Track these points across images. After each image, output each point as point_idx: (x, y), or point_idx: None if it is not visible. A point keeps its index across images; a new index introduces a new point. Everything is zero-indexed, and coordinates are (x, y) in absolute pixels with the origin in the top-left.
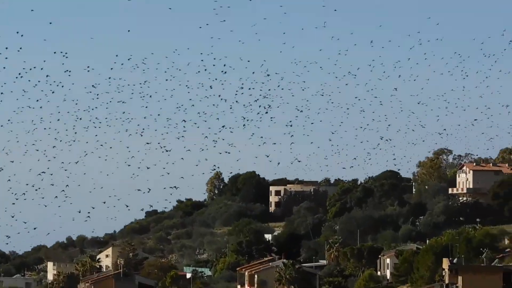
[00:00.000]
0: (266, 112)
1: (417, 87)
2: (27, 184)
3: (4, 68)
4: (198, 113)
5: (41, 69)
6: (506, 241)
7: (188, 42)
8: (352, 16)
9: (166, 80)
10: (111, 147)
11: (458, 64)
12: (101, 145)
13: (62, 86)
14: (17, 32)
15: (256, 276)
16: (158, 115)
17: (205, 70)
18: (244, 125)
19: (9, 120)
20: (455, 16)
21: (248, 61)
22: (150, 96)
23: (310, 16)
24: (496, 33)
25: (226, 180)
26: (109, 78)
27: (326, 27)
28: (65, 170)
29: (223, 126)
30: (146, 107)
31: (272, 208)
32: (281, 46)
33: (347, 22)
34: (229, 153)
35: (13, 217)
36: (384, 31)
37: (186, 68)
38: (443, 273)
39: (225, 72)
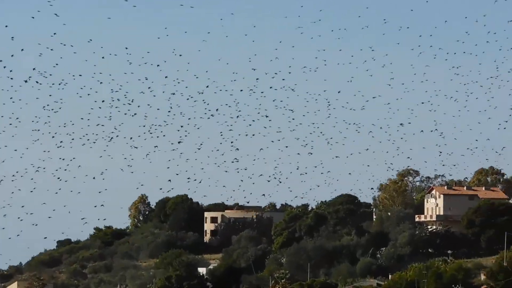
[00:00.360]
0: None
1: (382, 101)
2: None
3: None
4: (119, 126)
5: None
6: (482, 277)
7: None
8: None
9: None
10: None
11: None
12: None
13: None
14: None
15: None
16: (82, 128)
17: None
18: (179, 142)
19: None
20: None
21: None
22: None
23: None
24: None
25: (152, 204)
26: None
27: None
28: None
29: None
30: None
31: (207, 238)
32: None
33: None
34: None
35: None
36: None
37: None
38: None
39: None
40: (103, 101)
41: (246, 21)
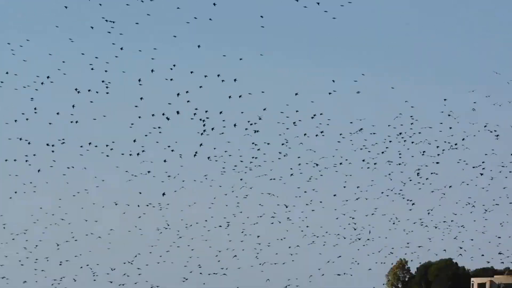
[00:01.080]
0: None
1: None
2: None
3: None
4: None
5: None
6: None
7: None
8: None
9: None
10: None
11: None
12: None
13: None
14: None
15: None
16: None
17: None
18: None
19: None
20: None
21: None
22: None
23: None
24: None
25: (413, 270)
26: None
27: None
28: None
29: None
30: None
31: None
32: None
33: None
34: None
35: None
36: None
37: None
38: None
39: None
40: None
41: None
